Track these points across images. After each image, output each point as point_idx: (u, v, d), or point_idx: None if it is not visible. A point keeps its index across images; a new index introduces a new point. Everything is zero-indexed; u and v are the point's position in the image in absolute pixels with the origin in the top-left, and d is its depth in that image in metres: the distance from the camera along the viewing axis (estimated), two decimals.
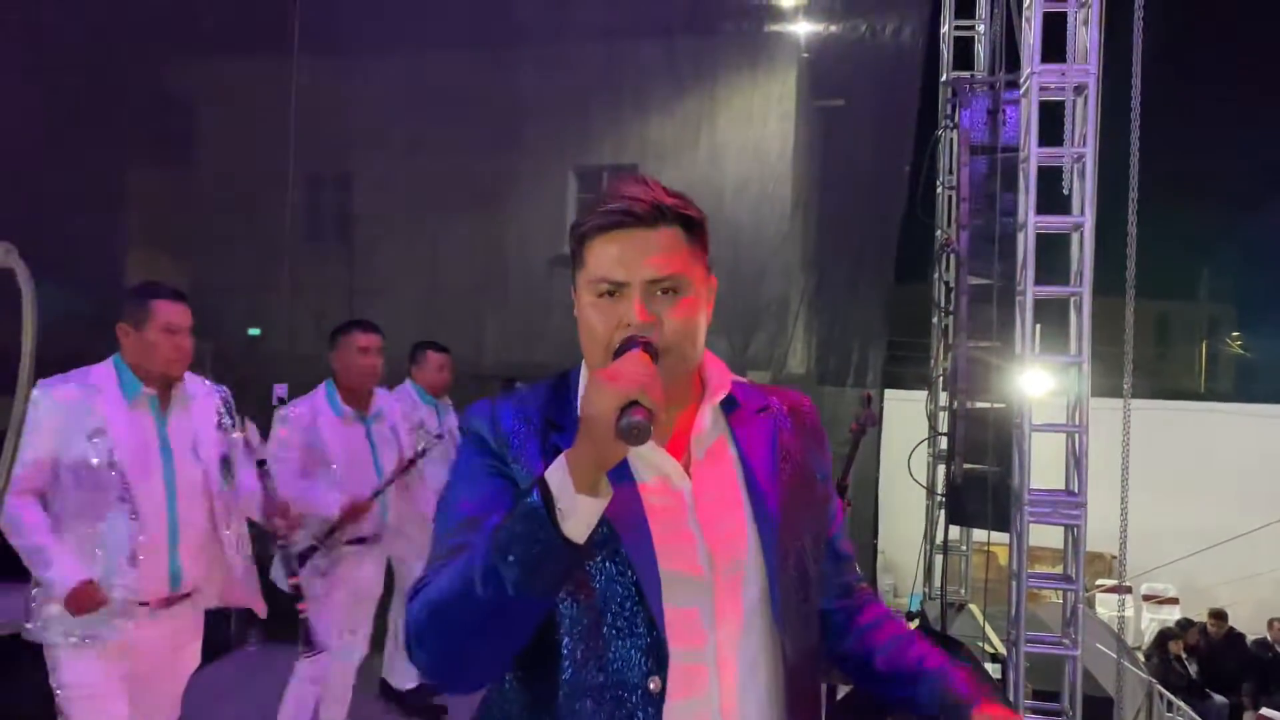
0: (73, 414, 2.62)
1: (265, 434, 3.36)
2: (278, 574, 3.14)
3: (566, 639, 1.24)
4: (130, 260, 6.28)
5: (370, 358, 3.65)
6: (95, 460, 2.60)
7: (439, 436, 4.16)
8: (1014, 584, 3.95)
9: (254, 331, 5.88)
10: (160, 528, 2.66)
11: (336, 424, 3.59)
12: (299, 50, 5.36)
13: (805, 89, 5.97)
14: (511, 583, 1.10)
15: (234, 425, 2.97)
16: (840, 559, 1.51)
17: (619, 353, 1.20)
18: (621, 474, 1.23)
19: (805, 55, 5.94)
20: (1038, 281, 3.93)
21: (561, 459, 1.13)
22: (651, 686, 1.23)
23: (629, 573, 1.24)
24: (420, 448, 3.86)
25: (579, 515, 1.11)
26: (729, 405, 1.38)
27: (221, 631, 4.88)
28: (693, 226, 1.30)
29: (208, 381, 2.98)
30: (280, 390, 4.99)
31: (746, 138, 5.76)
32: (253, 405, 5.26)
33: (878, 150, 5.59)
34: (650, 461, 1.30)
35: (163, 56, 5.74)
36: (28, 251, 4.85)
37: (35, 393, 2.58)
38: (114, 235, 6.00)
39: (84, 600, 2.55)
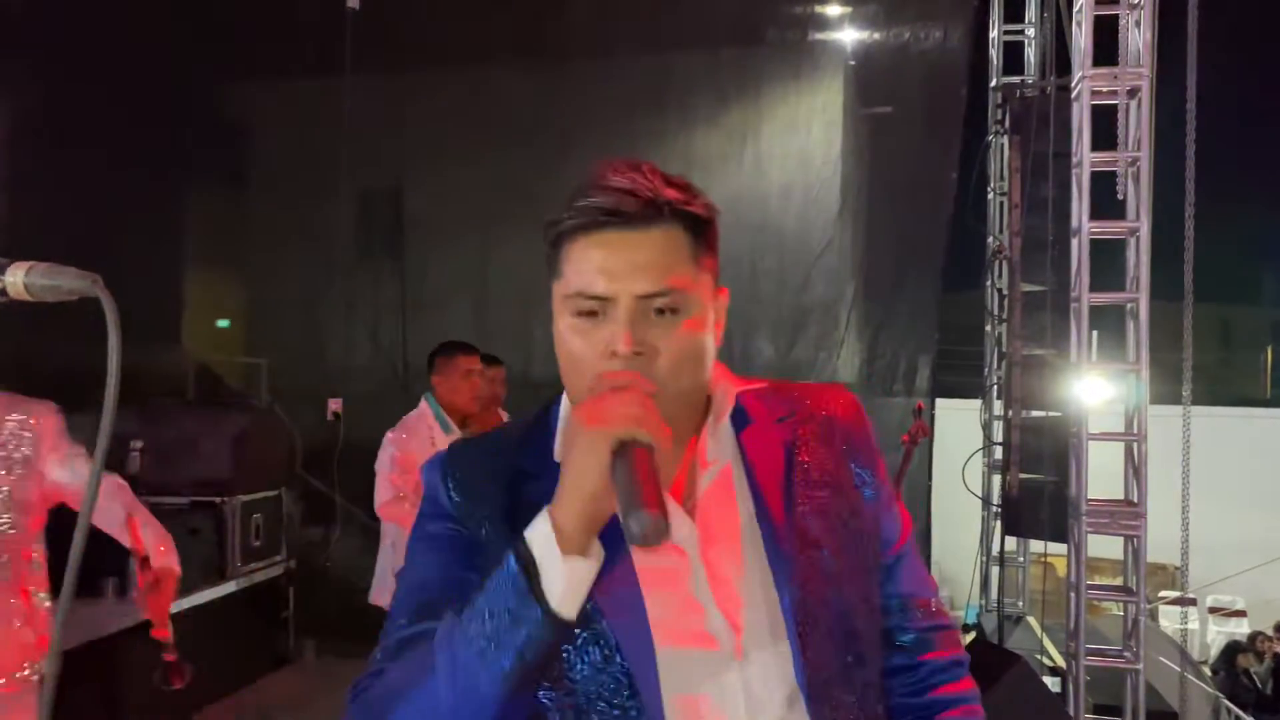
0: None
1: (319, 450, 3.41)
2: None
3: None
4: (191, 278, 6.41)
5: (474, 380, 3.66)
6: None
7: None
8: (1072, 596, 3.87)
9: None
10: None
11: (446, 441, 3.64)
12: (351, 70, 5.46)
13: (851, 97, 5.94)
14: (487, 676, 0.88)
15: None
16: (897, 601, 1.15)
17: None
18: (605, 527, 0.93)
19: (851, 63, 5.91)
20: (1093, 288, 3.86)
21: (543, 516, 0.90)
22: None
23: (617, 658, 0.98)
24: None
25: (568, 584, 0.88)
26: (740, 420, 1.10)
27: (280, 643, 4.96)
28: (700, 227, 1.03)
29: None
30: (335, 404, 5.10)
31: (791, 146, 5.76)
32: (310, 418, 5.41)
33: (924, 157, 5.55)
34: None
35: (220, 79, 5.88)
36: (93, 268, 4.98)
37: None
38: (176, 255, 6.13)
39: None
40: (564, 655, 0.98)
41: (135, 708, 3.59)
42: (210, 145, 5.97)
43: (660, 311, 0.99)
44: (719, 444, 1.07)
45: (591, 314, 0.99)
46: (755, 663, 1.00)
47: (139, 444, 4.19)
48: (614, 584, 0.98)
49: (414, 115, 5.82)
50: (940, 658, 1.17)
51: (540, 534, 0.90)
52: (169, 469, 4.17)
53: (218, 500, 4.12)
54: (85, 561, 2.64)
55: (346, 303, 5.71)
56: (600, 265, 0.98)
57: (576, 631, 0.97)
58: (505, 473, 1.05)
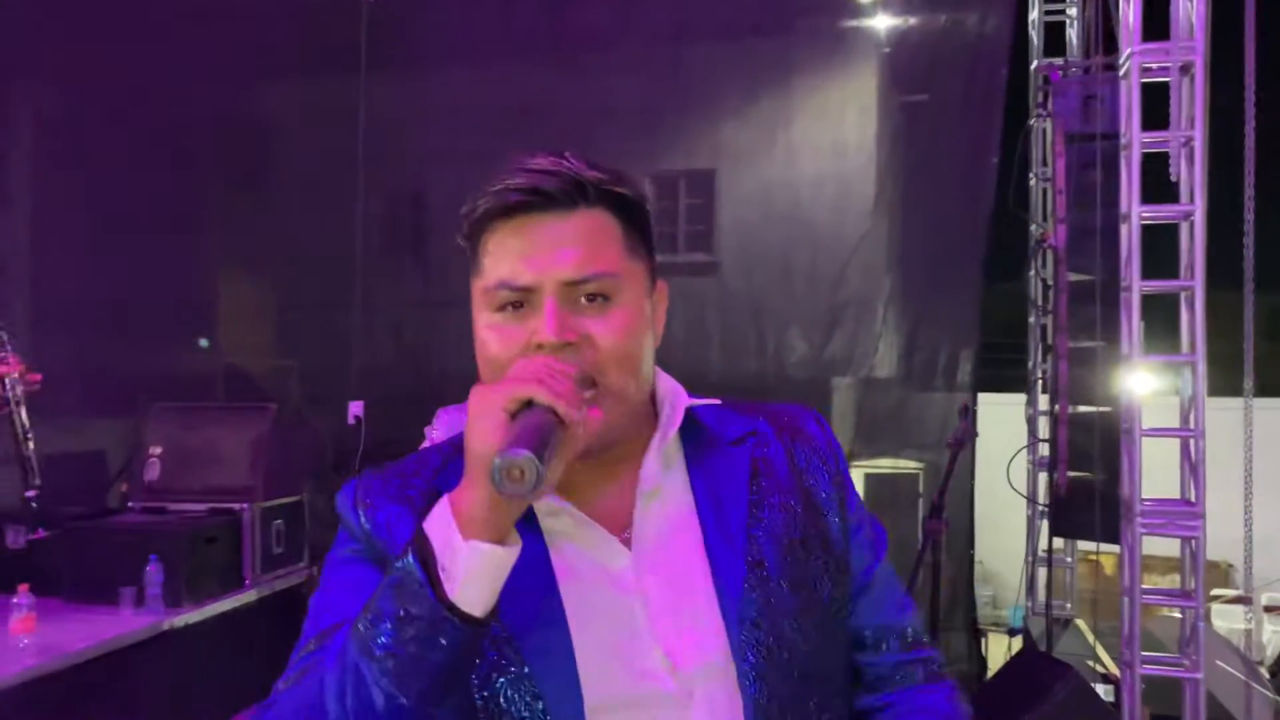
0: None
1: (341, 454, 3.31)
2: None
3: None
4: (219, 279, 6.38)
5: None
6: None
7: None
8: (1126, 601, 3.68)
9: (204, 343, 5.90)
10: None
11: None
12: (366, 69, 5.37)
13: (885, 84, 5.75)
14: (383, 687, 0.76)
15: None
16: (871, 632, 1.04)
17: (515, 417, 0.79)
18: (527, 557, 0.82)
19: (885, 51, 5.72)
20: (1144, 275, 3.66)
21: (443, 502, 0.80)
22: None
23: (539, 706, 0.86)
24: None
25: (472, 572, 0.76)
26: (694, 439, 1.00)
27: None
28: (631, 211, 0.95)
29: None
30: (356, 408, 5.00)
31: (824, 135, 5.58)
32: (332, 422, 5.34)
33: (963, 143, 5.34)
34: (570, 536, 0.92)
35: (238, 81, 5.82)
36: (120, 273, 4.95)
37: None
38: (202, 256, 6.09)
39: None
40: (484, 700, 0.86)
41: (157, 717, 3.51)
42: (231, 145, 5.92)
43: (591, 298, 0.91)
44: (665, 464, 0.97)
45: (515, 306, 0.90)
46: (701, 706, 0.90)
47: (158, 450, 4.12)
48: (537, 622, 0.87)
49: (432, 111, 5.71)
50: (920, 692, 1.06)
51: (438, 520, 0.79)
52: (188, 475, 4.10)
53: (237, 507, 4.03)
54: (103, 570, 2.58)
55: (367, 304, 5.62)
56: (520, 252, 0.90)
57: (496, 676, 0.86)
58: (421, 497, 0.94)
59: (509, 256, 0.90)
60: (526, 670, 0.87)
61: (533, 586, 0.87)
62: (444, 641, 0.76)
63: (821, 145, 5.58)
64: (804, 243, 5.49)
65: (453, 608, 0.76)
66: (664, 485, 0.96)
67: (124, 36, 5.63)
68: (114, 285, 5.83)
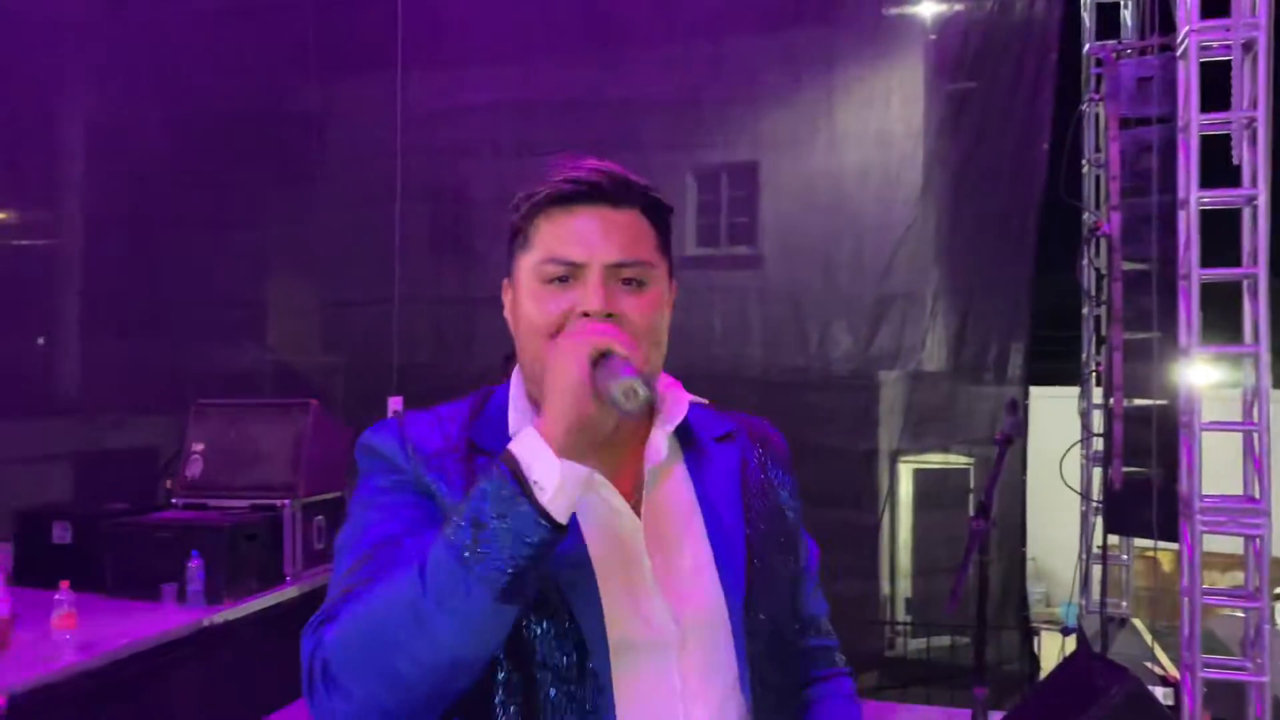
0: None
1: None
2: None
3: (502, 707, 1.01)
4: (266, 277, 6.42)
5: None
6: None
7: None
8: (1186, 601, 3.54)
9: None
10: None
11: None
12: (404, 65, 5.36)
13: (931, 72, 5.62)
14: (479, 588, 0.87)
15: None
16: (807, 618, 1.26)
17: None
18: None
19: (931, 38, 5.59)
20: (1204, 263, 3.52)
21: (530, 432, 0.92)
22: None
23: (574, 634, 1.00)
24: None
25: (560, 481, 0.89)
26: (684, 433, 1.15)
27: None
28: (661, 216, 1.12)
29: None
30: (395, 403, 5.00)
31: (868, 124, 5.45)
32: (372, 418, 5.34)
33: (1013, 131, 5.20)
34: (591, 499, 1.04)
35: (278, 79, 5.85)
36: (168, 272, 4.98)
37: None
38: (248, 254, 6.14)
39: None
40: (525, 627, 0.99)
41: (197, 714, 3.53)
42: (273, 143, 5.95)
43: (628, 281, 1.06)
44: (669, 445, 1.12)
45: (561, 279, 1.05)
46: (694, 655, 1.06)
47: (200, 447, 4.15)
48: (570, 567, 1.01)
49: (470, 107, 5.69)
50: (831, 674, 1.29)
51: (527, 442, 0.91)
52: (230, 472, 4.12)
53: (278, 503, 4.03)
54: (145, 566, 2.59)
55: (406, 299, 5.62)
56: (574, 233, 1.05)
57: (535, 610, 0.99)
58: (460, 446, 1.08)
59: (563, 236, 1.06)
60: (564, 603, 1.00)
61: (570, 539, 0.97)
62: (531, 540, 0.88)
63: (866, 134, 5.45)
64: (849, 234, 5.38)
65: (544, 513, 0.88)
66: (667, 466, 1.11)
67: (166, 39, 5.69)
68: (162, 283, 5.90)
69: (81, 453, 5.46)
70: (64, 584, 3.21)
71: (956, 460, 5.52)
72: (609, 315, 1.03)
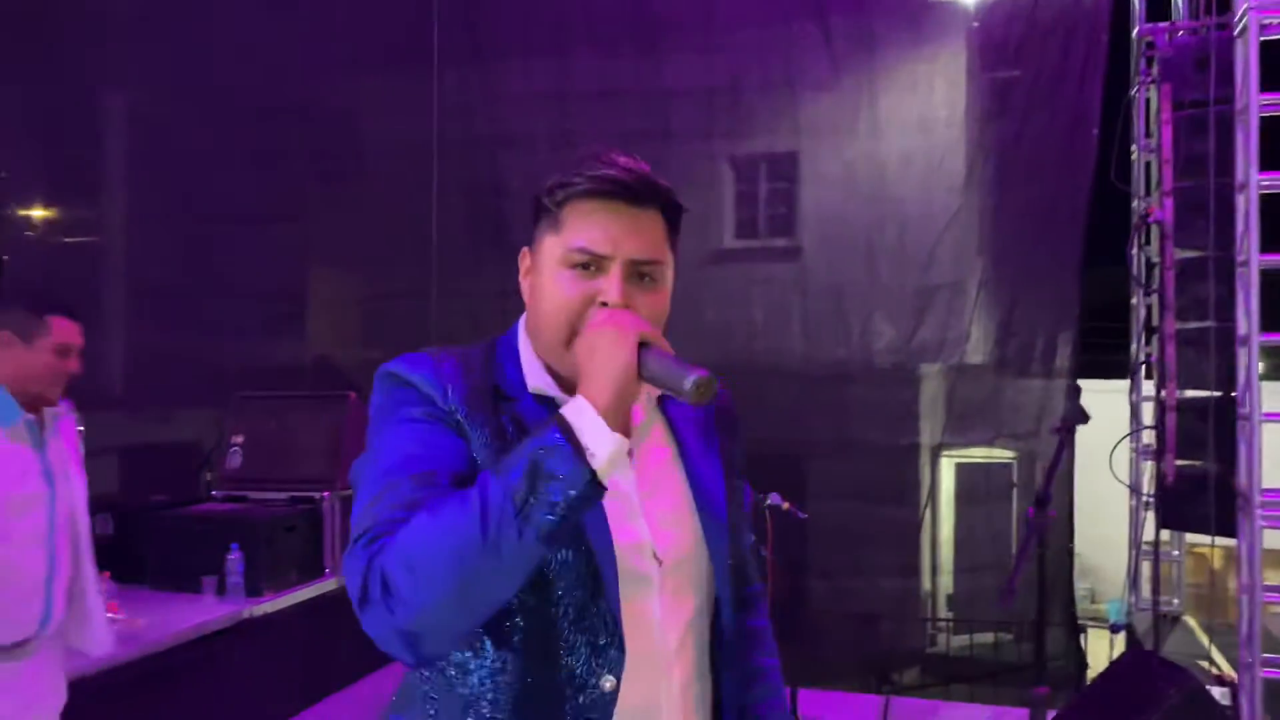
0: None
1: None
2: None
3: (519, 629, 1.14)
4: (307, 270, 6.45)
5: None
6: None
7: None
8: (1245, 599, 3.43)
9: None
10: (38, 565, 2.38)
11: None
12: (441, 57, 5.33)
13: (974, 57, 5.49)
14: (530, 529, 1.00)
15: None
16: (749, 544, 1.47)
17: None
18: None
19: (974, 25, 5.46)
20: (1263, 249, 3.40)
21: (576, 401, 1.05)
22: (605, 685, 1.15)
23: (589, 562, 1.14)
24: None
25: (612, 452, 1.03)
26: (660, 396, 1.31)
27: None
28: (676, 215, 1.23)
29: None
30: None
31: (911, 110, 5.33)
32: None
33: (1061, 116, 5.06)
34: None
35: (317, 74, 5.85)
36: (213, 263, 5.00)
37: None
38: (290, 246, 6.16)
39: None
40: (547, 562, 1.12)
41: (237, 705, 3.53)
42: (313, 137, 5.97)
43: (643, 277, 1.18)
44: (652, 408, 1.28)
45: (584, 267, 1.16)
46: (670, 585, 1.21)
47: (239, 439, 4.16)
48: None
49: (507, 99, 5.65)
50: (771, 664, 1.44)
51: (581, 412, 1.04)
52: (269, 464, 4.12)
53: (317, 495, 4.03)
54: (185, 558, 2.60)
55: (444, 293, 5.60)
56: (604, 227, 1.15)
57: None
58: (484, 387, 1.19)
59: (593, 228, 1.16)
60: (584, 535, 1.13)
61: None
62: (580, 495, 1.01)
63: (908, 121, 5.34)
64: (890, 223, 5.26)
65: (595, 475, 1.01)
66: (649, 424, 1.27)
67: (208, 34, 5.72)
68: (204, 278, 5.94)
69: (125, 445, 5.50)
70: (105, 575, 3.22)
71: (1000, 455, 5.40)
72: (625, 306, 1.13)
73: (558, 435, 1.01)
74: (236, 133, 5.89)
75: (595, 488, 1.02)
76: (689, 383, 1.04)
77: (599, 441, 1.02)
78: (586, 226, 1.16)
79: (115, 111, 6.49)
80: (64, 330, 2.45)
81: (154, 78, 6.04)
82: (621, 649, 1.15)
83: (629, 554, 1.18)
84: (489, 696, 1.15)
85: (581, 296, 1.15)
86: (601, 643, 1.15)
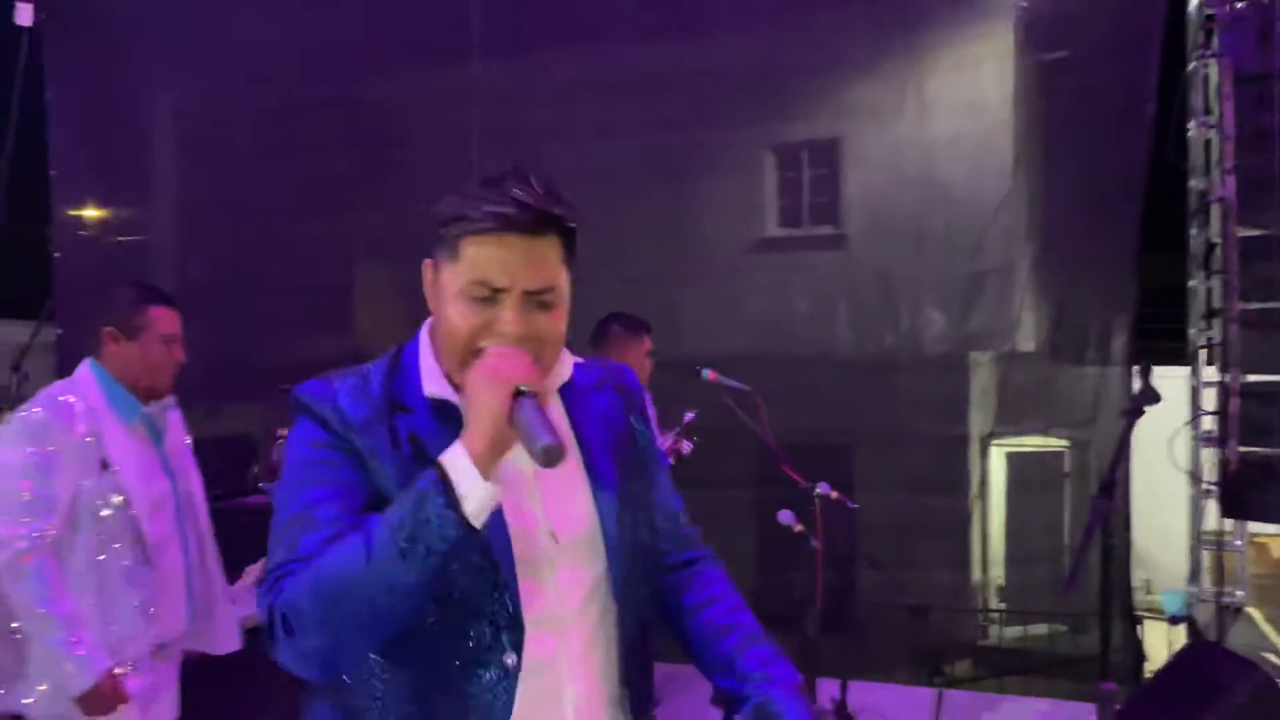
0: (83, 444, 2.25)
1: None
2: None
3: (428, 619, 1.22)
4: (353, 265, 6.49)
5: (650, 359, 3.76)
6: (112, 498, 2.25)
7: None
8: None
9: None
10: (177, 562, 2.36)
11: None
12: (481, 47, 5.32)
13: (1023, 36, 5.35)
14: (409, 570, 1.11)
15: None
16: (670, 513, 1.51)
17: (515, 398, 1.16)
18: None
19: (1023, 3, 5.32)
20: None
21: (456, 447, 1.15)
22: (508, 663, 1.24)
23: (486, 554, 1.22)
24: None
25: (483, 501, 1.13)
26: (568, 384, 1.39)
27: None
28: (571, 237, 1.28)
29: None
30: None
31: (958, 91, 5.20)
32: None
33: (1115, 93, 4.89)
34: None
35: (359, 67, 5.86)
36: (260, 259, 5.01)
37: (26, 417, 2.24)
38: (335, 241, 6.20)
39: (106, 700, 2.20)
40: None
41: (282, 698, 3.54)
42: (357, 131, 6.00)
43: (541, 304, 1.24)
44: (554, 399, 1.36)
45: (484, 299, 1.22)
46: (566, 563, 1.30)
47: (284, 432, 4.17)
48: None
49: (546, 88, 5.61)
50: (699, 551, 1.53)
51: (457, 460, 1.14)
52: None
53: None
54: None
55: None
56: (500, 262, 1.21)
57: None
58: (381, 404, 1.28)
59: (489, 263, 1.22)
60: (480, 531, 1.16)
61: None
62: (452, 538, 1.12)
63: (955, 103, 5.21)
64: (939, 207, 5.14)
65: (465, 520, 1.12)
66: (553, 410, 1.33)
67: (250, 31, 5.76)
68: (252, 273, 6.00)
69: None
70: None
71: (1052, 444, 5.28)
72: (520, 337, 1.22)
73: (435, 482, 1.12)
74: (279, 128, 5.93)
75: (469, 530, 1.12)
76: (539, 445, 1.13)
77: (472, 489, 1.12)
78: (483, 260, 1.22)
79: (162, 111, 6.57)
80: (165, 319, 2.46)
81: (198, 76, 6.11)
82: (521, 628, 1.24)
83: (527, 538, 1.27)
84: (395, 687, 1.25)
85: (480, 325, 1.23)
86: (502, 623, 1.24)
